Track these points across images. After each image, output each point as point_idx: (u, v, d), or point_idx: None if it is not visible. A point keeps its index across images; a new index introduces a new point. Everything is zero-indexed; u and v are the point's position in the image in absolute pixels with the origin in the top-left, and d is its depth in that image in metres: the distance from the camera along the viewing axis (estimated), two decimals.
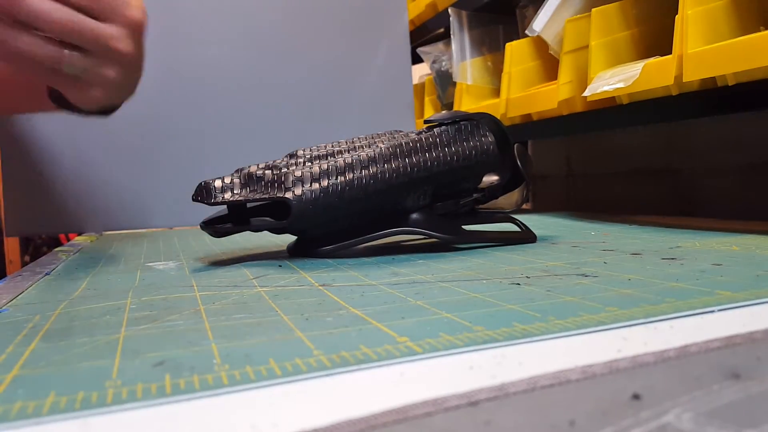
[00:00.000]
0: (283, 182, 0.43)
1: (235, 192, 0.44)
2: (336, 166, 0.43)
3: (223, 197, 0.43)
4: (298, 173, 0.42)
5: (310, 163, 0.45)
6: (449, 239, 0.46)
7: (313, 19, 0.99)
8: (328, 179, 0.42)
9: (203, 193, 0.43)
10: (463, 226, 0.48)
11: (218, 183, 0.44)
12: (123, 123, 0.82)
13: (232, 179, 0.44)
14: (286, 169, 0.43)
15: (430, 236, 0.45)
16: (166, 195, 0.86)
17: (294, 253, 0.48)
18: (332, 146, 0.48)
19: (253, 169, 0.44)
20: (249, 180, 0.44)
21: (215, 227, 0.45)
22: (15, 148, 0.85)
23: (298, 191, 0.42)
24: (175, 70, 0.90)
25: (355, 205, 0.43)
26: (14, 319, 0.28)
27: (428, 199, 0.46)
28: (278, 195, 0.42)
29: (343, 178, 0.42)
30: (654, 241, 0.47)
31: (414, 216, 0.46)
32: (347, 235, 0.45)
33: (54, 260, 0.52)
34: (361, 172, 0.43)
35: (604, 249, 0.43)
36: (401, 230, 0.45)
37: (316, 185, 0.42)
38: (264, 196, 0.43)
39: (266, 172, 0.44)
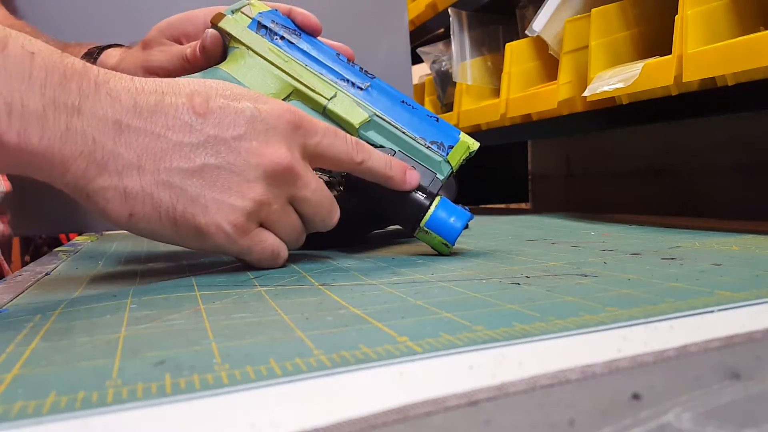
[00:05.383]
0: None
1: None
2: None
3: None
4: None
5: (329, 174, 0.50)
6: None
7: None
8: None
9: None
10: None
11: None
12: None
13: None
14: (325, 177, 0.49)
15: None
16: None
17: (305, 246, 0.51)
18: None
19: None
20: None
21: None
22: None
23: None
24: None
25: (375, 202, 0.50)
26: (14, 319, 0.28)
27: None
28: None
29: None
30: (654, 241, 0.47)
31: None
32: (354, 231, 0.52)
33: (54, 260, 0.52)
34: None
35: (604, 249, 0.43)
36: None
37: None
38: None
39: None
